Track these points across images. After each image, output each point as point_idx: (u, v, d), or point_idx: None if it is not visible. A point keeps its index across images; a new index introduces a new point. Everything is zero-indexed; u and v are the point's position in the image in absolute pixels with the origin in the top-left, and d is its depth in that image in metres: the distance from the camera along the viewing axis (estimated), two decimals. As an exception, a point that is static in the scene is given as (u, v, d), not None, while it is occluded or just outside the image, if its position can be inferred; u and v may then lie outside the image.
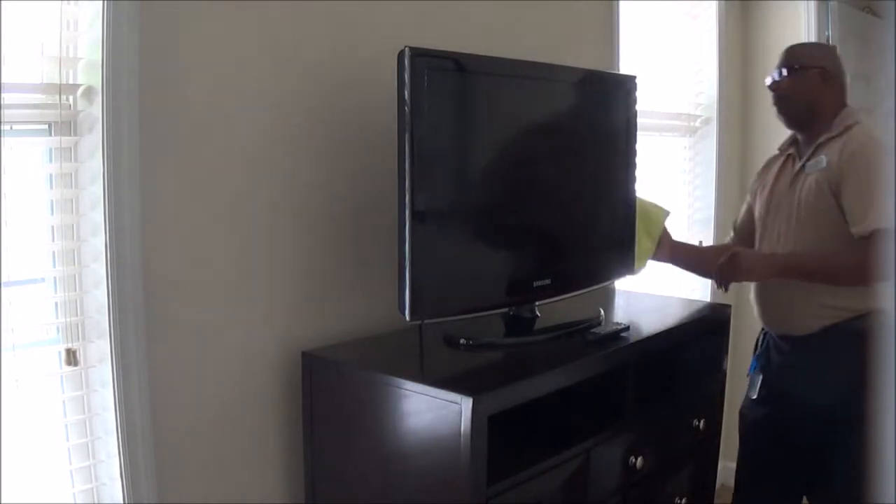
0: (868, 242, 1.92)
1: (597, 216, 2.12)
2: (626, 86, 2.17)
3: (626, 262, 2.18)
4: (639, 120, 2.19)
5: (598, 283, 2.18)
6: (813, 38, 3.29)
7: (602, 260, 2.16)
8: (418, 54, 1.60)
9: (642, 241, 2.19)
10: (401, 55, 1.60)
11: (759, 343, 2.25)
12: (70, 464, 1.55)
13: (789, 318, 2.13)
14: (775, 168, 2.23)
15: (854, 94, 3.44)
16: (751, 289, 2.24)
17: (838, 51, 2.27)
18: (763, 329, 2.25)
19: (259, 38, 1.72)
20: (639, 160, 2.19)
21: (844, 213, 1.99)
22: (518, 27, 2.29)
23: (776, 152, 2.28)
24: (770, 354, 2.20)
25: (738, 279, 2.07)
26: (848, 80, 2.18)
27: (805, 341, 2.09)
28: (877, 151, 2.00)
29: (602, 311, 2.04)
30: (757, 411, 2.22)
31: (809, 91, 2.12)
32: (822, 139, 2.09)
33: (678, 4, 3.05)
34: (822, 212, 2.03)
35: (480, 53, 1.81)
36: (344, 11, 1.86)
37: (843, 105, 2.15)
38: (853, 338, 1.97)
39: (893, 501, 1.26)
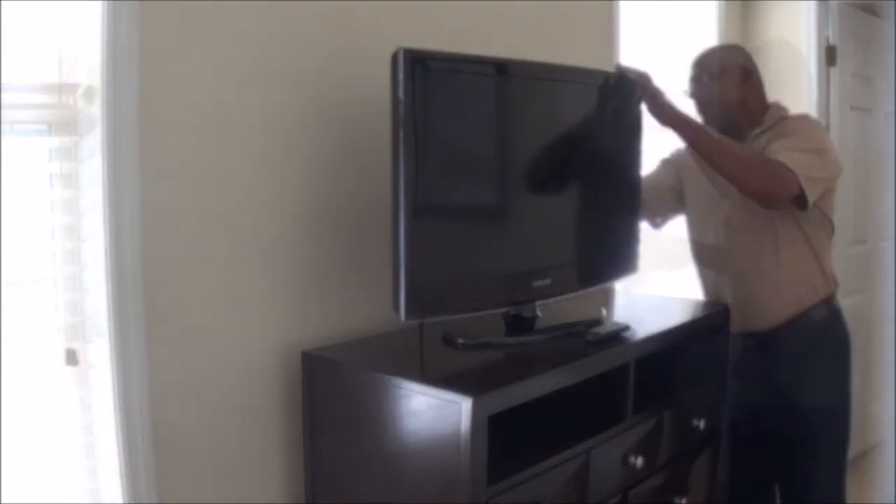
0: (772, 162, 2.00)
1: (598, 216, 2.12)
2: (629, 86, 2.17)
3: (627, 262, 2.18)
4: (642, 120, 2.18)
5: (598, 283, 2.18)
6: (813, 38, 3.29)
7: (603, 260, 2.15)
8: (412, 55, 1.60)
9: None
10: (395, 56, 1.60)
11: (732, 350, 2.27)
12: (70, 464, 1.55)
13: (753, 312, 2.20)
14: (696, 167, 2.25)
15: (854, 94, 3.46)
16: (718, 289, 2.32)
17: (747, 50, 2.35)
18: (734, 335, 2.26)
19: (259, 38, 1.72)
20: (642, 159, 2.19)
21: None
22: (518, 27, 2.28)
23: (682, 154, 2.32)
24: (738, 358, 2.24)
25: (651, 101, 2.05)
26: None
27: (771, 336, 2.18)
28: (813, 124, 2.15)
29: (602, 311, 2.04)
30: (737, 416, 2.30)
31: (735, 91, 2.19)
32: (754, 132, 2.18)
33: (678, 4, 3.05)
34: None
35: (480, 53, 1.81)
36: (343, 12, 1.86)
37: (767, 101, 2.24)
38: (819, 329, 2.16)
39: (893, 502, 1.27)
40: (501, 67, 1.84)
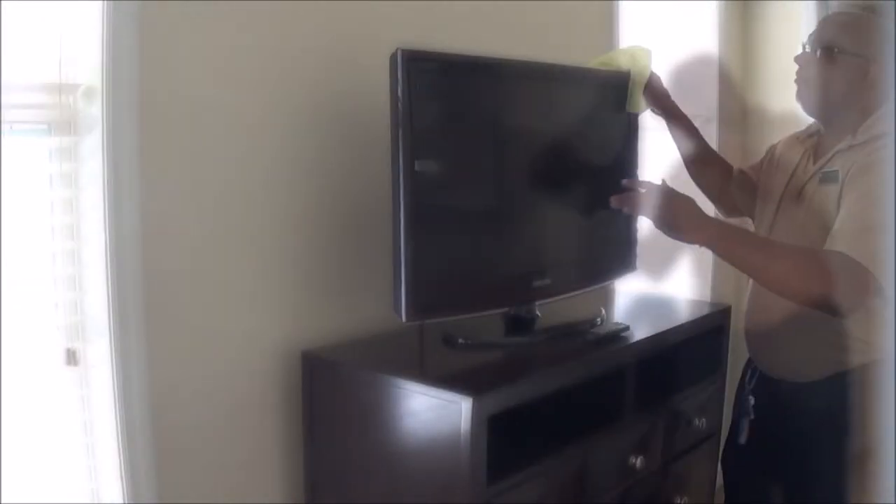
0: (829, 255, 1.55)
1: (597, 216, 2.12)
2: (628, 85, 2.17)
3: (626, 261, 2.18)
4: (641, 119, 2.19)
5: (598, 283, 2.18)
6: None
7: (602, 260, 2.15)
8: (411, 55, 1.60)
9: (637, 82, 2.09)
10: (393, 56, 1.60)
11: (748, 378, 1.96)
12: (70, 464, 1.55)
13: (785, 357, 1.80)
14: (795, 158, 1.87)
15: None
16: (745, 298, 1.96)
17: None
18: (751, 360, 1.98)
19: (258, 38, 1.72)
20: (641, 159, 2.19)
21: None
22: (517, 27, 2.28)
23: (799, 134, 1.93)
24: (760, 395, 1.91)
25: (665, 229, 1.64)
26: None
27: (804, 391, 1.76)
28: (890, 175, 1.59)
29: (602, 311, 2.04)
30: (744, 461, 1.98)
31: (846, 85, 1.73)
32: (842, 145, 1.72)
33: (678, 4, 3.05)
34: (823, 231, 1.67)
35: (479, 53, 1.81)
36: (343, 12, 1.86)
37: (877, 106, 1.73)
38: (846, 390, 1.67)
39: (893, 502, 1.26)
40: (501, 67, 1.84)
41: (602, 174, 2.11)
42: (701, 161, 2.18)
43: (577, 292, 2.10)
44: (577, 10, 2.52)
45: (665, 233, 1.65)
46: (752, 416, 1.92)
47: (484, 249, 1.83)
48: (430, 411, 1.55)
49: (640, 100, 2.08)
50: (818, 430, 1.75)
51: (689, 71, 3.11)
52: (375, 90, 1.67)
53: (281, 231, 1.79)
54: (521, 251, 1.91)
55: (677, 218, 1.62)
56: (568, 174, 2.02)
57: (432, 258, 1.69)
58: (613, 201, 1.66)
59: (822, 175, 1.73)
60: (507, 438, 1.60)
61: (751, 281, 1.87)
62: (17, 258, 1.47)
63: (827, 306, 1.56)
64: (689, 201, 1.64)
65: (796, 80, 1.81)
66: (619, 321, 1.97)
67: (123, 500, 1.56)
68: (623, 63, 2.07)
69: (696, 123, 3.11)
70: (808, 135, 1.89)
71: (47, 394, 1.53)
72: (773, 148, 2.04)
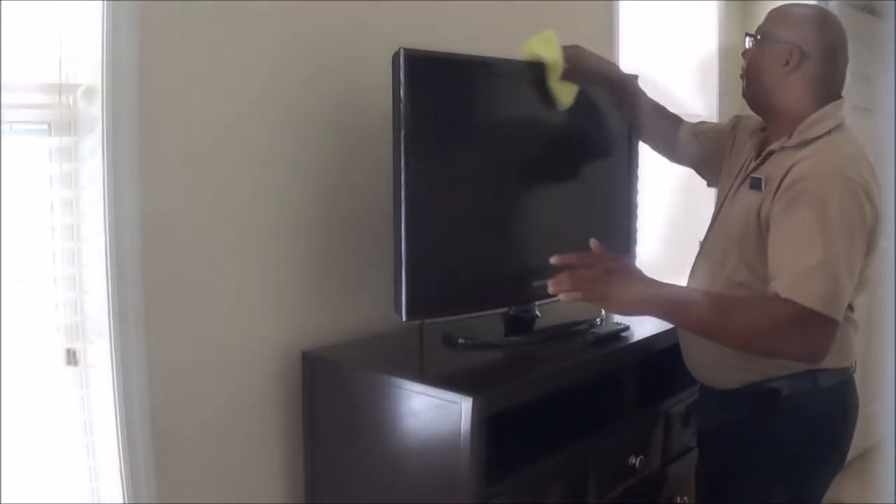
0: (779, 305, 1.41)
1: (597, 216, 2.12)
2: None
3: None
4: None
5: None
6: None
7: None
8: (413, 55, 1.61)
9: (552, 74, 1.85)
10: (395, 56, 1.60)
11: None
12: (70, 464, 1.55)
13: (710, 366, 1.70)
14: (745, 151, 1.74)
15: (854, 94, 3.45)
16: None
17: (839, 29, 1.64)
18: None
19: (259, 38, 1.72)
20: (640, 160, 2.19)
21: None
22: (517, 27, 2.28)
23: (755, 127, 1.76)
24: (698, 405, 1.86)
25: (600, 304, 1.45)
26: (841, 72, 1.64)
27: (726, 398, 1.67)
28: (834, 194, 1.43)
29: (602, 311, 2.04)
30: (697, 465, 1.91)
31: (769, 74, 1.62)
32: (775, 146, 1.59)
33: (678, 4, 3.05)
34: (749, 248, 1.57)
35: (480, 54, 1.81)
36: (344, 13, 1.86)
37: (819, 104, 1.59)
38: (779, 403, 1.59)
39: (893, 502, 1.26)
40: (502, 68, 1.84)
41: (602, 174, 2.11)
42: (646, 116, 2.01)
43: (576, 292, 2.10)
44: (577, 10, 2.52)
45: (605, 308, 1.53)
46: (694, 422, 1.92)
47: (484, 249, 1.83)
48: (430, 411, 1.54)
49: (564, 92, 1.86)
50: (735, 440, 1.68)
51: (690, 71, 3.12)
52: (376, 90, 1.67)
53: (281, 231, 1.79)
54: (520, 251, 1.91)
55: (615, 289, 1.41)
56: (568, 174, 2.02)
57: (432, 258, 1.69)
58: (550, 288, 1.41)
59: (750, 179, 1.61)
60: (507, 438, 1.60)
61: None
62: (17, 258, 1.47)
63: (794, 358, 1.50)
64: (625, 269, 1.45)
65: (741, 75, 1.73)
66: (619, 321, 1.97)
67: (123, 500, 1.55)
68: (540, 54, 1.84)
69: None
70: (761, 128, 1.73)
71: (47, 394, 1.53)
72: (737, 121, 1.89)
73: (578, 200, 2.06)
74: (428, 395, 1.55)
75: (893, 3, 3.51)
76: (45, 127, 1.51)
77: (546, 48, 1.85)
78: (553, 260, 1.42)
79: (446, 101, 1.73)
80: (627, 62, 2.67)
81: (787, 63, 1.59)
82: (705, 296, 1.52)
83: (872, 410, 3.72)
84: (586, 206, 2.08)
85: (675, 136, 1.97)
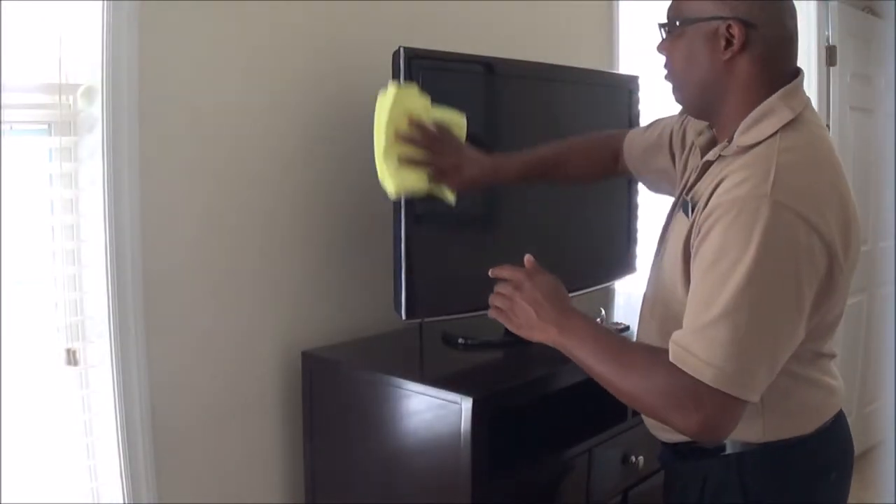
0: (664, 371, 1.14)
1: (597, 217, 2.12)
2: (628, 86, 2.17)
3: (626, 263, 2.18)
4: (641, 120, 2.18)
5: (598, 283, 2.18)
6: (813, 38, 3.27)
7: (602, 261, 2.16)
8: (413, 54, 1.61)
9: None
10: (395, 55, 1.60)
11: None
12: (70, 464, 1.55)
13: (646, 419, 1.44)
14: (693, 160, 1.38)
15: (854, 94, 3.46)
16: None
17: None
18: None
19: (258, 38, 1.72)
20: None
21: None
22: (517, 27, 2.29)
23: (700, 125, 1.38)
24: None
25: (503, 320, 1.31)
26: (784, 36, 1.23)
27: (667, 451, 1.44)
28: (758, 227, 1.08)
29: (602, 311, 2.04)
30: None
31: (703, 65, 1.24)
32: (712, 154, 1.26)
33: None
34: (679, 289, 1.24)
35: (480, 53, 1.81)
36: (343, 11, 1.86)
37: (774, 88, 1.20)
38: (712, 457, 1.31)
39: (893, 502, 1.22)
40: (502, 67, 1.84)
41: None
42: (578, 161, 1.69)
43: (576, 293, 2.10)
44: (577, 10, 2.52)
45: (508, 326, 1.32)
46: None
47: (483, 249, 1.83)
48: (430, 411, 1.55)
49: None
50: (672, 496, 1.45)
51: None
52: (377, 90, 1.67)
53: (281, 231, 1.79)
54: (520, 251, 1.91)
55: (519, 308, 1.28)
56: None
57: (432, 257, 1.69)
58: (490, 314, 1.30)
59: (682, 201, 1.30)
60: (507, 438, 1.60)
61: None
62: (17, 258, 1.47)
63: (685, 433, 1.18)
64: (544, 287, 1.28)
65: (664, 77, 1.37)
66: (619, 321, 1.97)
67: (123, 500, 1.56)
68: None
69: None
70: (698, 132, 1.38)
71: (47, 394, 1.53)
72: (684, 124, 1.51)
73: (578, 200, 2.06)
74: (428, 395, 1.55)
75: (893, 3, 3.52)
76: (45, 127, 1.51)
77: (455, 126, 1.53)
78: (491, 273, 1.31)
79: (446, 99, 1.72)
80: (627, 62, 2.67)
81: (727, 44, 1.20)
82: (609, 343, 1.24)
83: (872, 410, 3.73)
84: (586, 205, 2.08)
85: (618, 162, 1.66)
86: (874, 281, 3.50)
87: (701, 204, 1.19)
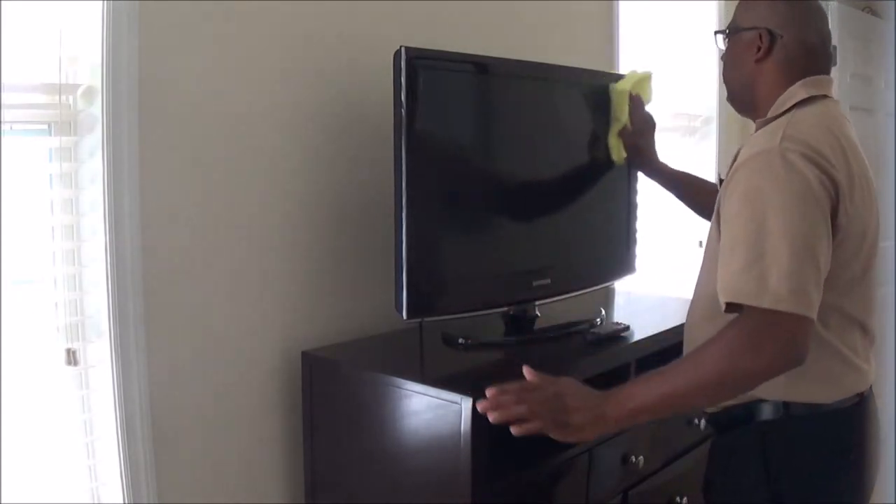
0: (729, 325, 1.25)
1: (597, 216, 2.12)
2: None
3: (626, 263, 2.18)
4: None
5: (598, 283, 2.18)
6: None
7: (602, 260, 2.15)
8: (414, 54, 1.61)
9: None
10: (397, 55, 1.60)
11: None
12: (70, 464, 1.55)
13: None
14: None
15: (854, 94, 3.46)
16: None
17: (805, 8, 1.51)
18: None
19: (258, 38, 1.72)
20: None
21: None
22: (518, 27, 2.28)
23: None
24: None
25: (562, 434, 1.33)
26: (816, 43, 1.50)
27: (714, 420, 1.50)
28: (771, 173, 1.26)
29: (602, 311, 2.04)
30: None
31: (741, 68, 1.50)
32: (745, 141, 1.47)
33: (678, 4, 3.05)
34: (715, 253, 1.37)
35: (480, 53, 1.81)
36: (344, 11, 1.86)
37: (790, 84, 1.43)
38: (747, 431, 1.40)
39: (893, 501, 1.23)
40: (503, 67, 1.84)
41: (602, 174, 2.11)
42: (696, 192, 1.99)
43: (576, 293, 2.10)
44: (577, 10, 2.52)
45: (570, 439, 1.33)
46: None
47: (484, 249, 1.83)
48: (430, 411, 1.54)
49: (617, 148, 2.04)
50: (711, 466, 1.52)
51: (689, 71, 3.11)
52: (377, 90, 1.67)
53: (281, 231, 1.79)
54: (521, 251, 1.91)
55: (572, 414, 1.29)
56: (568, 174, 2.02)
57: (433, 257, 1.69)
58: (481, 406, 1.31)
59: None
60: (507, 438, 1.59)
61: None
62: (17, 258, 1.47)
63: (778, 368, 1.25)
64: (573, 388, 1.32)
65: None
66: (619, 321, 1.97)
67: (123, 500, 1.55)
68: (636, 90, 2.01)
69: (696, 123, 3.14)
70: None
71: (47, 394, 1.53)
72: None
73: (579, 200, 2.06)
74: (428, 395, 1.55)
75: (893, 3, 3.52)
76: (45, 127, 1.51)
77: (644, 88, 2.01)
78: (488, 392, 1.29)
79: (447, 99, 1.73)
80: (627, 62, 2.67)
81: (758, 50, 1.45)
82: (651, 375, 1.31)
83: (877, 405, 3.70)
84: (587, 205, 2.08)
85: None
86: (871, 276, 3.49)
87: (728, 176, 1.37)
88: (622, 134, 2.00)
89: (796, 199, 1.25)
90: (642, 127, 2.00)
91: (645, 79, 2.02)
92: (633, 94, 2.00)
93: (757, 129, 1.44)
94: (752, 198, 1.27)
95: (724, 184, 1.37)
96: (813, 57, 1.47)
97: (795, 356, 1.24)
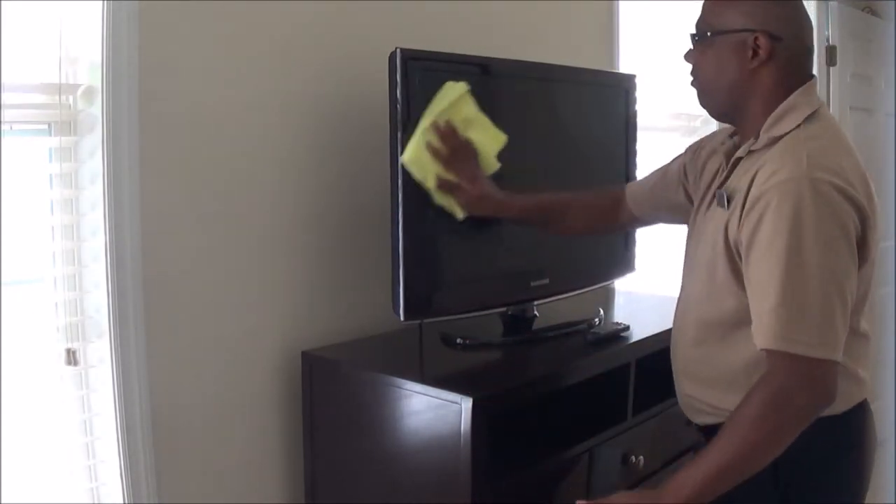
0: (776, 366, 1.24)
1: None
2: (625, 85, 2.17)
3: (625, 262, 2.18)
4: (639, 120, 2.19)
5: (597, 282, 2.18)
6: (813, 39, 3.27)
7: (601, 260, 2.15)
8: (409, 55, 1.61)
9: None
10: (392, 56, 1.60)
11: None
12: (70, 464, 1.55)
13: (681, 403, 1.55)
14: (715, 165, 1.49)
15: (854, 94, 3.46)
16: None
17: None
18: None
19: (258, 38, 1.72)
20: (639, 159, 2.19)
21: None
22: (518, 27, 2.28)
23: (722, 137, 1.52)
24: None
25: None
26: (812, 45, 1.41)
27: (706, 434, 1.46)
28: (804, 205, 1.22)
29: (602, 311, 2.04)
30: None
31: (731, 73, 1.37)
32: (742, 151, 1.38)
33: (678, 4, 3.04)
34: (718, 278, 1.35)
35: (480, 54, 1.81)
36: (342, 12, 1.86)
37: (789, 90, 1.35)
38: None
39: (893, 501, 1.23)
40: (499, 67, 1.84)
41: (600, 174, 2.11)
42: (578, 213, 1.80)
43: (575, 293, 2.10)
44: (576, 10, 2.52)
45: None
46: None
47: (481, 249, 1.83)
48: (430, 411, 1.55)
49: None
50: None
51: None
52: (376, 91, 1.67)
53: (281, 231, 1.79)
54: (518, 251, 1.91)
55: None
56: (566, 173, 2.02)
57: (430, 258, 1.69)
58: None
59: (717, 195, 1.39)
60: (507, 438, 1.60)
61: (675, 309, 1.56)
62: (17, 258, 1.47)
63: (815, 411, 1.26)
64: (626, 497, 1.37)
65: (691, 83, 1.47)
66: (619, 321, 1.97)
67: (123, 500, 1.56)
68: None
69: (696, 123, 3.14)
70: (730, 133, 1.51)
71: (47, 394, 1.53)
72: (697, 146, 1.61)
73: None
74: (428, 395, 1.55)
75: (893, 3, 3.52)
76: (45, 127, 1.51)
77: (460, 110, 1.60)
78: None
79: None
80: (627, 62, 2.67)
81: (754, 54, 1.34)
82: (721, 438, 1.28)
83: (872, 410, 3.70)
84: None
85: (619, 214, 1.75)
86: (874, 281, 3.50)
87: (740, 196, 1.31)
88: (445, 186, 1.62)
89: (830, 237, 1.23)
90: (464, 163, 1.63)
91: (461, 99, 1.61)
92: (442, 122, 1.58)
93: (756, 146, 1.34)
94: (783, 231, 1.22)
95: (745, 206, 1.28)
96: (807, 63, 1.40)
97: (828, 399, 1.25)
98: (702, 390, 1.44)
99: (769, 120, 1.34)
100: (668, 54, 3.00)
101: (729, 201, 1.34)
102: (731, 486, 1.28)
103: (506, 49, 1.99)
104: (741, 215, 1.30)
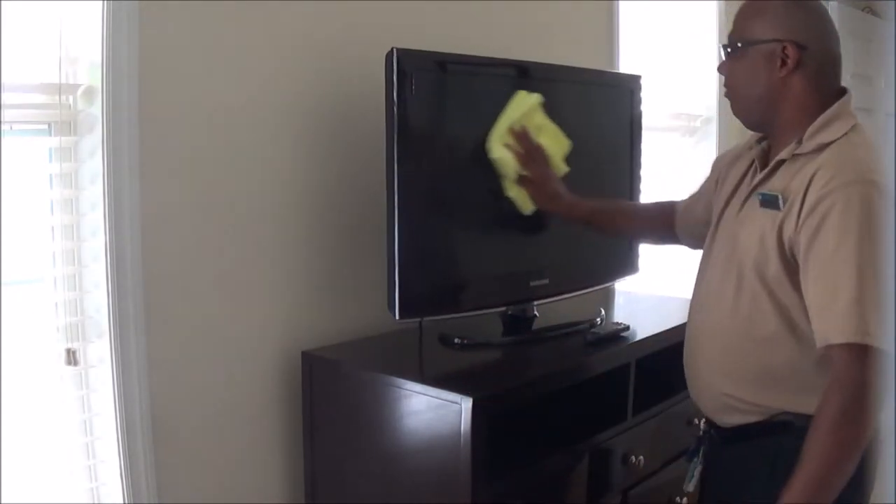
0: (852, 361, 1.27)
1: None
2: (630, 86, 2.17)
3: (628, 263, 2.18)
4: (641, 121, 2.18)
5: (597, 283, 2.18)
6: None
7: (601, 260, 2.15)
8: (406, 55, 1.61)
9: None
10: (389, 56, 1.60)
11: (701, 422, 1.63)
12: (70, 464, 1.55)
13: (705, 403, 1.54)
14: (740, 171, 1.55)
15: (854, 94, 3.45)
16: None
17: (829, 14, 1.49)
18: None
19: (258, 38, 1.72)
20: (643, 160, 2.19)
21: (803, 294, 1.34)
22: (517, 27, 2.28)
23: (748, 144, 1.58)
24: (708, 440, 1.59)
25: None
26: (837, 57, 1.46)
27: (733, 434, 1.48)
28: (868, 206, 1.28)
29: (602, 311, 2.04)
30: None
31: (762, 83, 1.42)
32: (785, 153, 1.41)
33: (678, 4, 3.05)
34: (768, 276, 1.38)
35: (476, 53, 1.81)
36: (341, 12, 1.86)
37: (823, 97, 1.41)
38: (787, 433, 1.39)
39: (893, 501, 1.23)
40: (497, 67, 1.84)
41: (602, 174, 2.11)
42: (637, 225, 1.93)
43: (577, 293, 2.10)
44: (576, 10, 2.52)
45: None
46: (702, 465, 1.62)
47: (479, 249, 1.83)
48: (430, 411, 1.55)
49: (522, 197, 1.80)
50: (742, 474, 1.48)
51: (689, 71, 3.11)
52: (374, 91, 1.67)
53: (281, 231, 1.79)
54: (517, 251, 1.91)
55: None
56: (571, 174, 2.01)
57: (425, 257, 1.69)
58: None
59: (761, 196, 1.42)
60: (507, 438, 1.60)
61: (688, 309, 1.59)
62: (17, 258, 1.47)
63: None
64: None
65: (725, 94, 1.52)
66: (619, 321, 1.97)
67: (123, 500, 1.56)
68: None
69: (696, 124, 3.14)
70: (757, 139, 1.55)
71: (47, 394, 1.53)
72: (718, 162, 1.70)
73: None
74: (428, 395, 1.55)
75: (893, 3, 3.52)
76: (45, 127, 1.51)
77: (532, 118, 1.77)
78: None
79: (441, 100, 1.73)
80: (627, 62, 2.68)
81: (783, 64, 1.39)
82: (812, 446, 1.30)
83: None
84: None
85: (673, 225, 1.79)
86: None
87: (797, 198, 1.35)
88: (522, 182, 1.77)
89: (888, 233, 1.29)
90: (538, 164, 1.78)
91: (533, 108, 1.78)
92: (518, 128, 1.75)
93: (802, 150, 1.38)
94: (853, 230, 1.28)
95: (804, 208, 1.33)
96: (835, 72, 1.44)
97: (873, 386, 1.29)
98: (744, 388, 1.44)
99: (814, 126, 1.38)
100: (668, 54, 3.02)
101: (784, 202, 1.37)
102: (836, 492, 1.29)
103: (505, 49, 1.99)
104: (799, 216, 1.33)
